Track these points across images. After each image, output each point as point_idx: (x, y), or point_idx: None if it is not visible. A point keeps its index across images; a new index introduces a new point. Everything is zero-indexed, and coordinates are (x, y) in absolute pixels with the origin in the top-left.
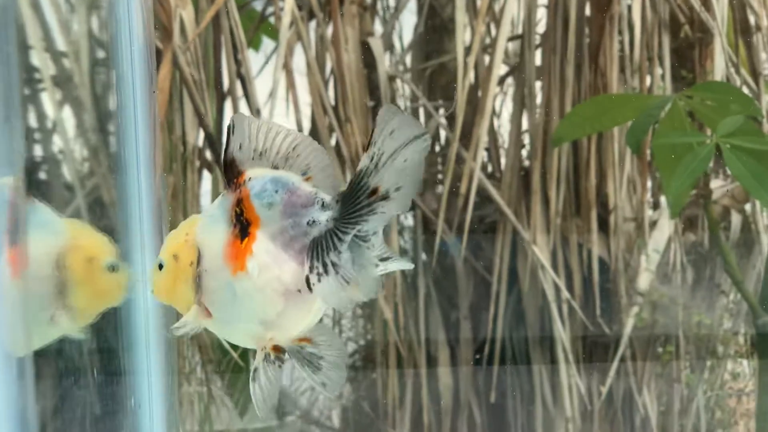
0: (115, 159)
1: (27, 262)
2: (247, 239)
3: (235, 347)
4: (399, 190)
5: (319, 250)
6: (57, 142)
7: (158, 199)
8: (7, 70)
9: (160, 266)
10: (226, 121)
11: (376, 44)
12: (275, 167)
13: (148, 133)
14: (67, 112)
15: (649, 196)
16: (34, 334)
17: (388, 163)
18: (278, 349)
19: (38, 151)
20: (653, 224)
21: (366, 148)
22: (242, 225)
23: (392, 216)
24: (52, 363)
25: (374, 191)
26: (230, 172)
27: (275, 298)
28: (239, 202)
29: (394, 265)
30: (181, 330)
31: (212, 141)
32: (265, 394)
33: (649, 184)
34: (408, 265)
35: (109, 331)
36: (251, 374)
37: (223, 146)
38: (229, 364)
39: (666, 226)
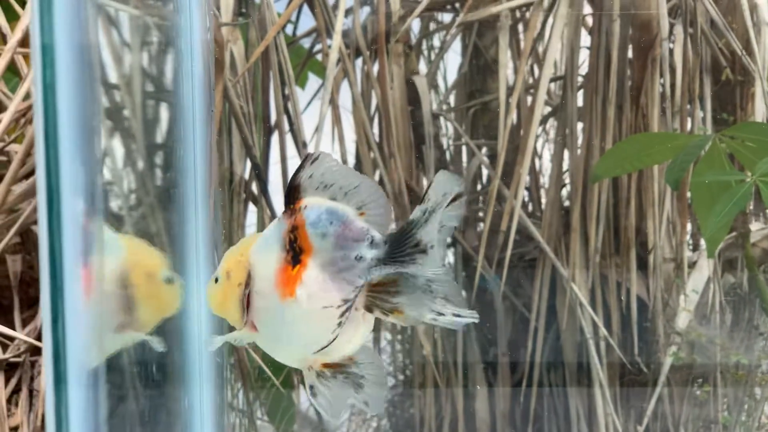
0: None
1: (98, 280)
2: (298, 266)
3: (276, 374)
4: (433, 248)
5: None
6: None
7: (212, 217)
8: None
9: (216, 280)
10: (273, 154)
11: (420, 83)
12: (333, 199)
13: (205, 154)
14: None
15: (688, 237)
16: (106, 345)
17: (434, 222)
18: (328, 365)
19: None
20: (692, 265)
21: (421, 201)
22: (295, 252)
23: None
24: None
25: (417, 243)
26: (290, 197)
27: (320, 326)
28: (294, 229)
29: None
30: (216, 344)
31: (259, 173)
32: (331, 401)
33: (689, 226)
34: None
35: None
36: (309, 391)
37: (294, 171)
38: (270, 391)
39: (705, 267)
